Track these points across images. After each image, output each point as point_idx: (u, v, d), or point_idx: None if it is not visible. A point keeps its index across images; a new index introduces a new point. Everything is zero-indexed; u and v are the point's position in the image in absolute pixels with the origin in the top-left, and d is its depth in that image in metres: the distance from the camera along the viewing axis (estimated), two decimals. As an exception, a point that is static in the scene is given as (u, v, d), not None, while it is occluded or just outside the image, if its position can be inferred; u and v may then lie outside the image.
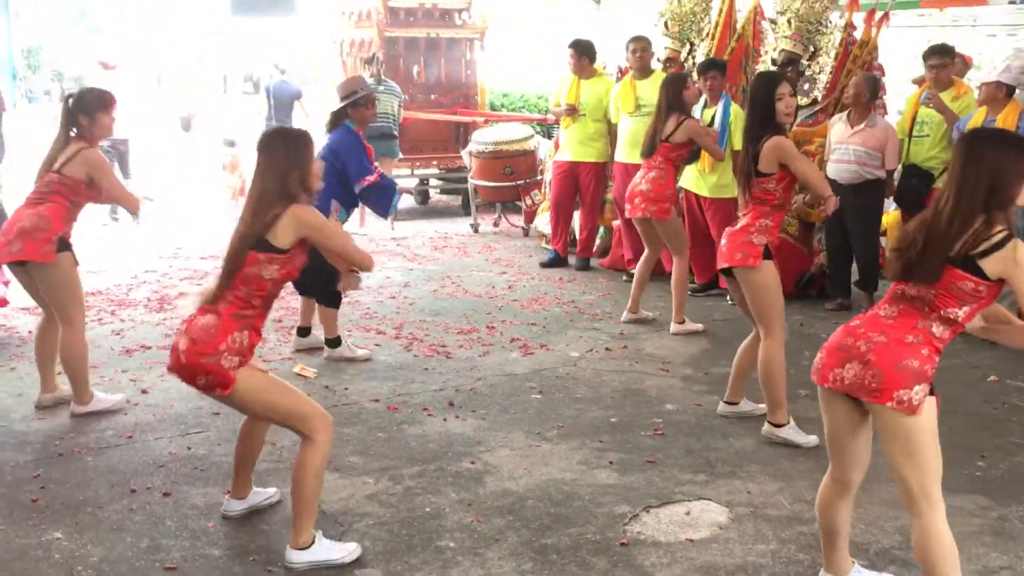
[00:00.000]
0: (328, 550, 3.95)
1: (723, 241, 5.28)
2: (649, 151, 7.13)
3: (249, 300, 3.91)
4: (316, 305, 6.65)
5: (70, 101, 5.46)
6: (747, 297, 5.24)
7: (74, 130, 5.42)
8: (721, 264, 5.29)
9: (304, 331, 6.80)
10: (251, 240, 3.89)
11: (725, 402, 5.58)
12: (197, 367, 3.82)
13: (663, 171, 7.11)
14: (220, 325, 3.84)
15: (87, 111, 5.41)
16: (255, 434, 4.31)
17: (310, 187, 4.00)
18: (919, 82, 8.17)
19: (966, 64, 8.83)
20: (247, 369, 3.87)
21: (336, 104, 6.53)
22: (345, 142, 6.38)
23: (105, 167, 5.56)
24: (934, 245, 3.23)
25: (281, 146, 3.98)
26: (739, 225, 5.26)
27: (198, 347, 3.82)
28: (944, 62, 7.47)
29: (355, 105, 6.42)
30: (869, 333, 3.32)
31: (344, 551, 3.98)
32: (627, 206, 7.40)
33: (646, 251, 7.48)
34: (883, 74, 8.01)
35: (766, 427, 5.24)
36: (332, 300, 6.53)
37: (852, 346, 3.32)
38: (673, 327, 7.23)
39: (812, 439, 5.07)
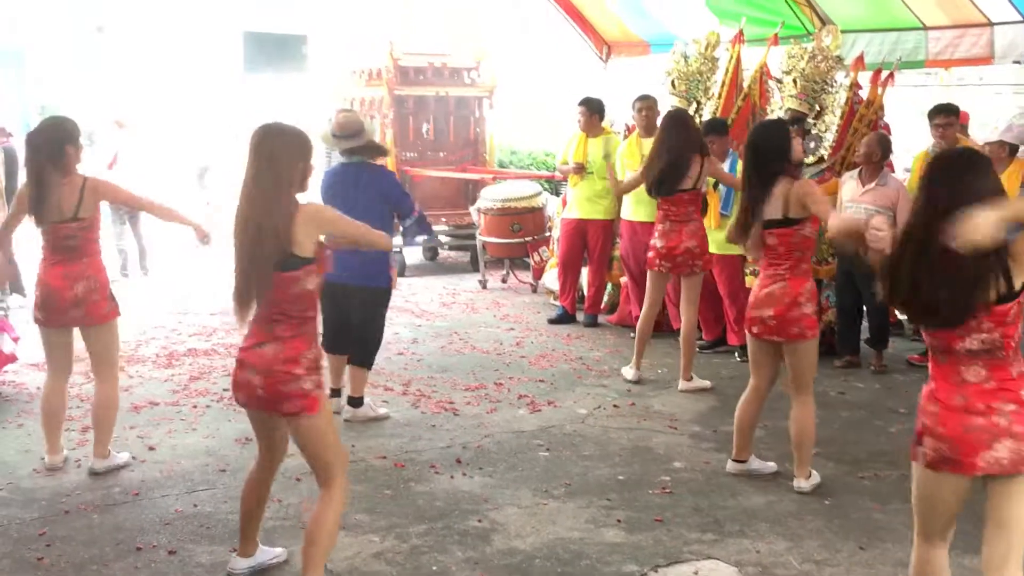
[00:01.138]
0: None
1: (769, 312, 5.16)
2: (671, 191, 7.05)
3: (304, 314, 3.89)
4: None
5: (43, 138, 5.22)
6: (790, 362, 5.25)
7: (55, 165, 5.18)
8: (772, 337, 5.20)
9: (336, 392, 6.53)
10: (278, 261, 3.76)
11: (734, 460, 5.55)
12: (280, 396, 3.83)
13: (697, 221, 7.18)
14: (286, 350, 3.83)
15: (73, 140, 5.27)
16: (260, 490, 4.29)
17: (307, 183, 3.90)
18: None
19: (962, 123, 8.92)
20: (325, 397, 3.94)
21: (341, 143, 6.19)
22: (388, 180, 6.27)
23: (117, 186, 5.63)
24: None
25: (281, 141, 3.82)
26: (775, 289, 5.16)
27: (274, 378, 3.82)
28: (950, 120, 7.53)
29: (371, 145, 6.27)
30: (991, 404, 3.17)
31: None
32: (694, 264, 7.16)
33: (646, 307, 7.44)
34: (889, 133, 8.06)
35: (800, 483, 5.29)
36: (366, 360, 6.46)
37: (988, 424, 3.16)
38: (682, 384, 7.20)
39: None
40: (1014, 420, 3.15)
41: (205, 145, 22.58)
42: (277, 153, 3.80)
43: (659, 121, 8.70)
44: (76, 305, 5.29)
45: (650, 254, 7.25)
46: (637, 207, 8.39)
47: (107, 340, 5.47)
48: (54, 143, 5.22)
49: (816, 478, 5.32)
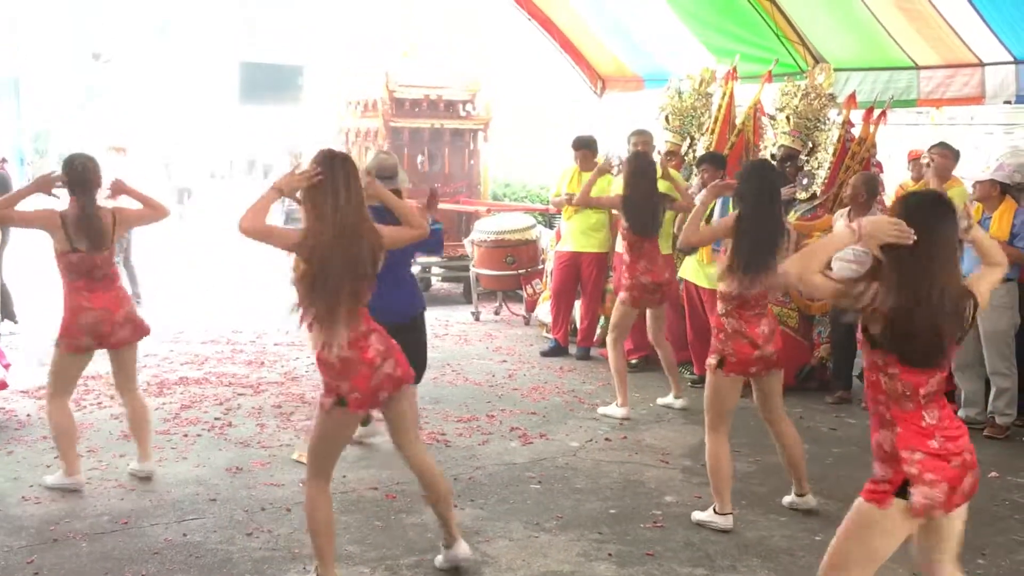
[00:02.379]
0: None
1: (771, 349, 5.25)
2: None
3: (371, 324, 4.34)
4: None
5: (90, 172, 5.58)
6: (774, 389, 5.41)
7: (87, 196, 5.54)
8: (770, 371, 5.33)
9: (368, 420, 6.38)
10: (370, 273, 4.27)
11: (727, 514, 5.36)
12: (409, 368, 4.37)
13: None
14: (387, 338, 4.32)
15: (97, 174, 5.64)
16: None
17: None
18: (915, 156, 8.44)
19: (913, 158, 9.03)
20: None
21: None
22: None
23: (135, 211, 5.95)
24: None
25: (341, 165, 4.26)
26: (765, 328, 5.25)
27: (398, 356, 4.31)
28: (938, 153, 7.55)
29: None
30: (957, 442, 3.33)
31: None
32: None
33: (618, 339, 7.47)
34: (881, 171, 8.12)
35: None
36: (418, 380, 6.44)
37: (961, 463, 3.31)
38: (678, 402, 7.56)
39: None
40: (970, 454, 3.34)
41: (190, 169, 22.63)
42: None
43: (654, 156, 8.80)
44: (124, 325, 5.67)
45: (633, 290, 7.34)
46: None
47: (135, 355, 5.93)
48: (96, 176, 5.62)
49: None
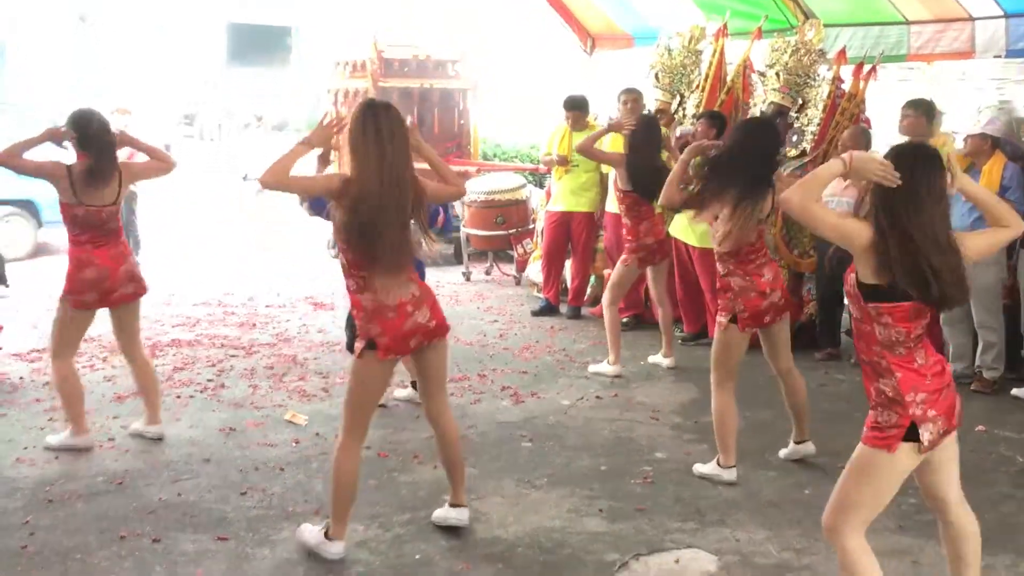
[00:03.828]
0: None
1: (778, 295, 5.35)
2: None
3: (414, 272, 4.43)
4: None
5: (101, 126, 5.56)
6: (783, 338, 5.48)
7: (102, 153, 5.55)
8: (779, 318, 5.40)
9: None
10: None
11: (731, 466, 5.47)
12: (445, 321, 4.45)
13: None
14: (427, 289, 4.42)
15: (108, 129, 5.64)
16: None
17: None
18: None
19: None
20: None
21: None
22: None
23: (141, 163, 5.99)
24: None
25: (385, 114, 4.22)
26: (769, 274, 5.33)
27: (437, 306, 4.43)
28: (906, 114, 7.43)
29: None
30: (945, 381, 3.48)
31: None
32: None
33: (616, 298, 7.52)
34: (870, 126, 8.10)
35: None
36: None
37: (951, 396, 3.49)
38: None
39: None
40: (952, 380, 3.51)
41: (173, 126, 22.45)
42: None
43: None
44: (127, 282, 5.68)
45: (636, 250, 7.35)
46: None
47: (138, 313, 5.92)
48: (108, 132, 5.60)
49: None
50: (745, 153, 5.25)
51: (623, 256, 7.43)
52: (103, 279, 5.56)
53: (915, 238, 3.27)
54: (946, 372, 3.49)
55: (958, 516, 3.67)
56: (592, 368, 7.45)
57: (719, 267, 5.39)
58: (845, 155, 3.40)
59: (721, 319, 5.34)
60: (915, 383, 3.39)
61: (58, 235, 13.32)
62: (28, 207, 12.87)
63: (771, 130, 5.76)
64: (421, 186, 4.37)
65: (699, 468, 5.42)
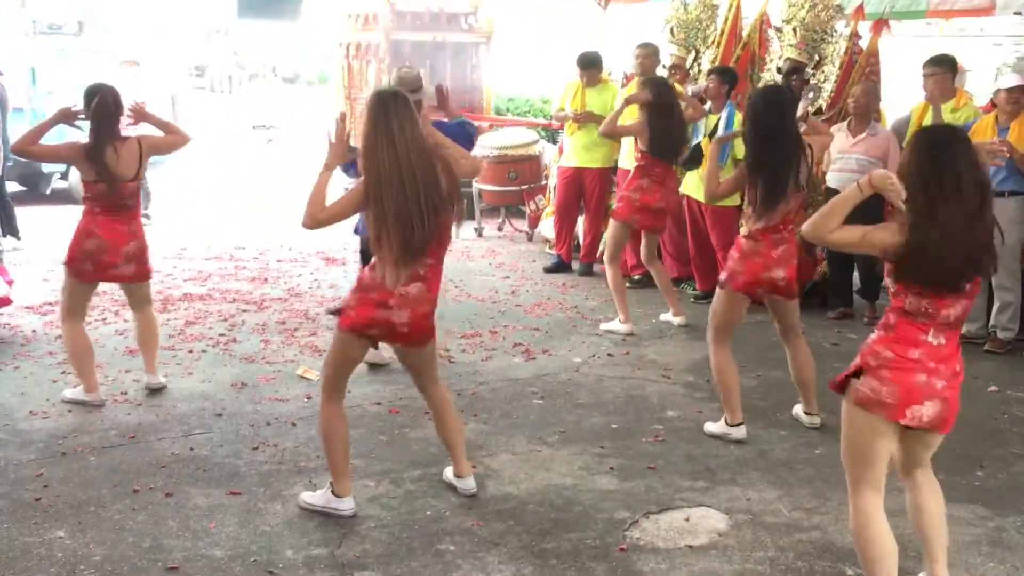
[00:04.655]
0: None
1: (781, 274, 5.26)
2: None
3: (442, 256, 4.33)
4: None
5: (112, 100, 5.55)
6: (786, 312, 5.44)
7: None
8: (778, 297, 5.35)
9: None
10: (449, 207, 4.18)
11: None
12: (428, 331, 4.36)
13: None
14: (430, 291, 4.30)
15: (120, 104, 5.61)
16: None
17: None
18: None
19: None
20: None
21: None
22: (451, 128, 6.03)
23: (159, 137, 5.92)
24: None
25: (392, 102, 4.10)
26: (781, 252, 5.25)
27: (425, 320, 4.32)
28: (933, 72, 7.39)
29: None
30: (938, 367, 3.42)
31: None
32: None
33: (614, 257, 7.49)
34: (878, 80, 8.03)
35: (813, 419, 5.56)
36: None
37: (927, 383, 3.41)
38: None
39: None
40: (948, 386, 3.42)
41: (182, 77, 22.32)
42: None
43: (659, 70, 8.66)
44: (128, 262, 5.65)
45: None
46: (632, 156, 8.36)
47: (148, 288, 5.96)
48: (118, 106, 5.58)
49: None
50: (757, 124, 5.17)
51: (615, 209, 7.39)
52: (101, 251, 5.56)
53: (934, 232, 3.25)
54: (951, 377, 3.42)
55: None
56: (604, 326, 7.44)
57: (743, 228, 5.37)
58: (862, 180, 3.41)
59: (722, 276, 5.34)
60: (895, 347, 3.39)
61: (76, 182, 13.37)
62: None
63: (774, 93, 5.57)
64: (452, 172, 4.23)
65: (709, 427, 5.43)
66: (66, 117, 5.58)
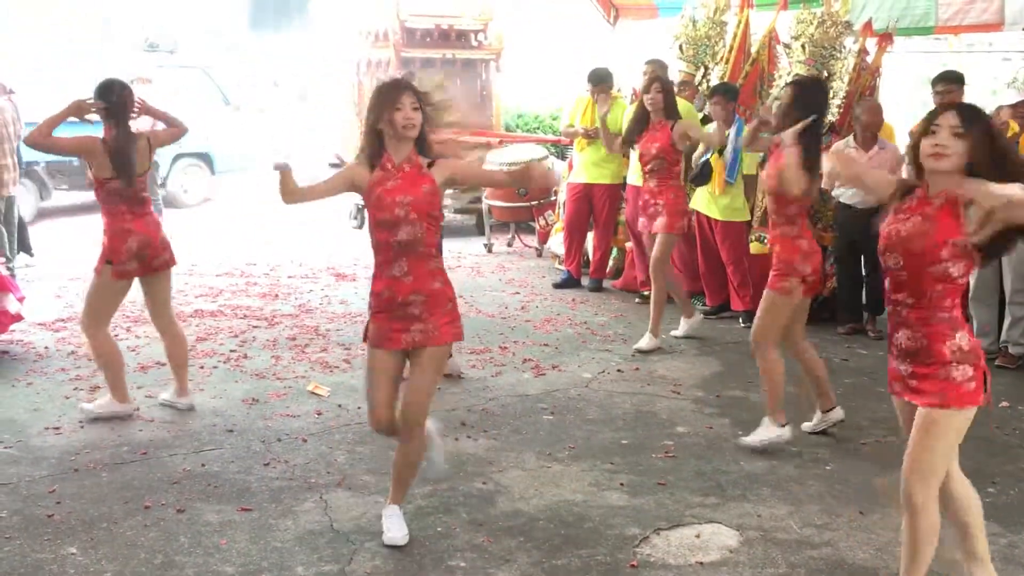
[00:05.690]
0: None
1: (808, 269, 5.35)
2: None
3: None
4: None
5: (126, 96, 5.63)
6: (799, 321, 5.51)
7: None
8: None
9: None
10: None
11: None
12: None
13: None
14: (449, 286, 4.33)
15: (134, 100, 5.70)
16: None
17: None
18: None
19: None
20: None
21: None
22: None
23: (162, 130, 6.03)
24: None
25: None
26: (806, 246, 5.38)
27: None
28: (949, 88, 7.41)
29: None
30: None
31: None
32: None
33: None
34: (875, 95, 8.07)
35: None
36: None
37: None
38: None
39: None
40: None
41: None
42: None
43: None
44: (164, 249, 5.76)
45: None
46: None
47: (170, 283, 5.98)
48: (130, 103, 5.66)
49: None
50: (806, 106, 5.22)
51: (662, 225, 7.27)
52: (144, 247, 5.62)
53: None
54: None
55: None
56: (640, 344, 7.33)
57: (783, 230, 5.37)
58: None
59: (787, 284, 5.34)
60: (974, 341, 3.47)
61: (63, 199, 13.42)
62: (204, 158, 14.68)
63: (817, 85, 5.74)
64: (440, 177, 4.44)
65: (753, 440, 5.39)
66: (80, 110, 5.54)
